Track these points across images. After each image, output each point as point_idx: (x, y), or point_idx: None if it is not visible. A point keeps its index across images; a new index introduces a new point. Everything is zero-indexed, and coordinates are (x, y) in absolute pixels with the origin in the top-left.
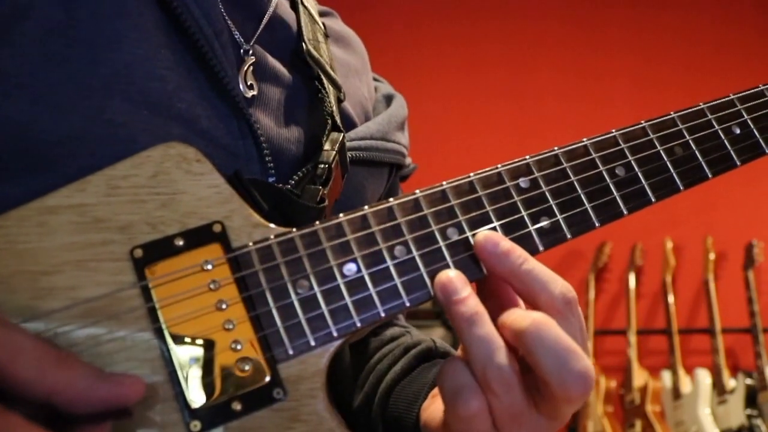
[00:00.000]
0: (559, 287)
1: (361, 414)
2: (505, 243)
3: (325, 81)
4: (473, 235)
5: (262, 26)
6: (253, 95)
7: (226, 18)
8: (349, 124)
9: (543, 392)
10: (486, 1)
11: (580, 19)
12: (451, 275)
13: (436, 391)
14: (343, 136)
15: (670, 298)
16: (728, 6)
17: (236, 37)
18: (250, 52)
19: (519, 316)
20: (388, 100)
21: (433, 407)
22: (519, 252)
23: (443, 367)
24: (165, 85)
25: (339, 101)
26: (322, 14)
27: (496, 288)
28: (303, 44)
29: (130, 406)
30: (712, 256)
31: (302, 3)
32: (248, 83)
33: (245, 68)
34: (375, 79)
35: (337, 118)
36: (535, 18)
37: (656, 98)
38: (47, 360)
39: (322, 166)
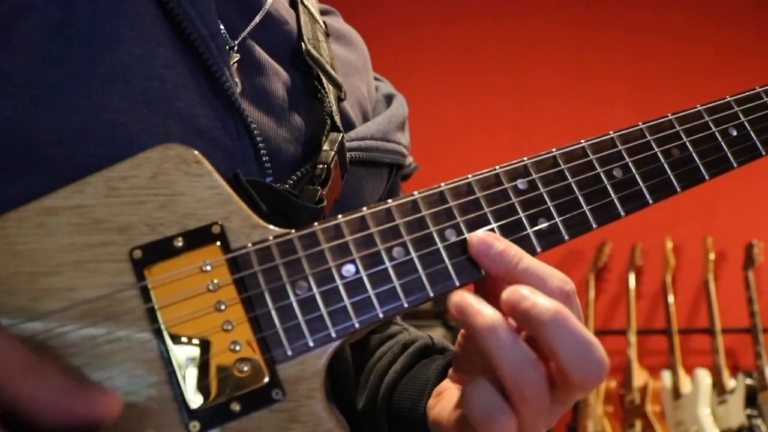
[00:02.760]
0: (555, 282)
1: (365, 415)
2: (499, 244)
3: (324, 81)
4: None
5: (255, 22)
6: (239, 91)
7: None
8: (347, 123)
9: (558, 380)
10: (486, 2)
11: (580, 20)
12: (465, 295)
13: (440, 388)
14: (342, 137)
15: (670, 298)
16: (728, 6)
17: (223, 33)
18: (236, 48)
19: (539, 306)
20: (389, 99)
21: (440, 405)
22: (514, 251)
23: (468, 391)
24: (163, 84)
25: (339, 100)
26: (322, 12)
27: (495, 288)
28: (302, 44)
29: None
30: (712, 256)
31: (302, 2)
32: (234, 80)
33: (231, 65)
34: (376, 79)
35: (337, 118)
36: (535, 18)
37: (656, 99)
38: (16, 367)
39: (321, 166)
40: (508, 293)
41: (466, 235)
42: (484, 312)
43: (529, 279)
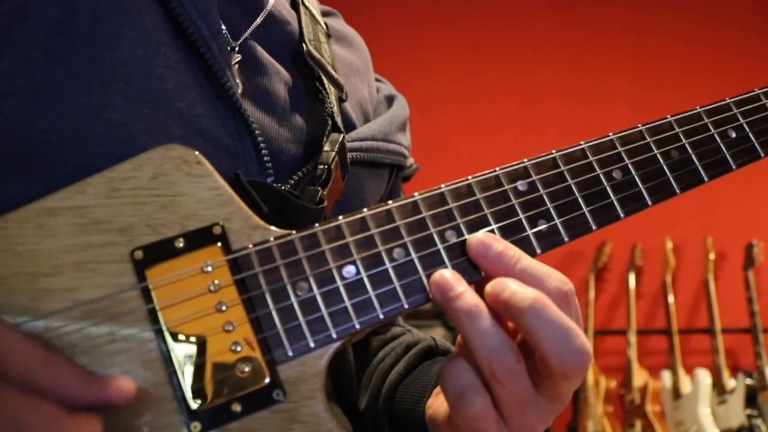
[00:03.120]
0: (554, 282)
1: (367, 416)
2: (498, 245)
3: (326, 81)
4: None
5: (257, 23)
6: (241, 92)
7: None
8: (348, 124)
9: (542, 372)
10: (487, 2)
11: (581, 20)
12: (446, 274)
13: (439, 388)
14: (343, 137)
15: (670, 298)
16: (728, 6)
17: (224, 33)
18: (237, 49)
19: (518, 295)
20: (390, 100)
21: (437, 404)
22: (512, 252)
23: (445, 369)
24: (164, 84)
25: (341, 101)
26: (324, 14)
27: None
28: (303, 44)
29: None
30: (712, 256)
31: (303, 3)
32: (235, 80)
33: (232, 65)
34: (377, 80)
35: (338, 119)
36: (536, 19)
37: (657, 99)
38: (35, 361)
39: (322, 167)
40: (491, 286)
41: (467, 237)
42: (465, 296)
43: (527, 280)
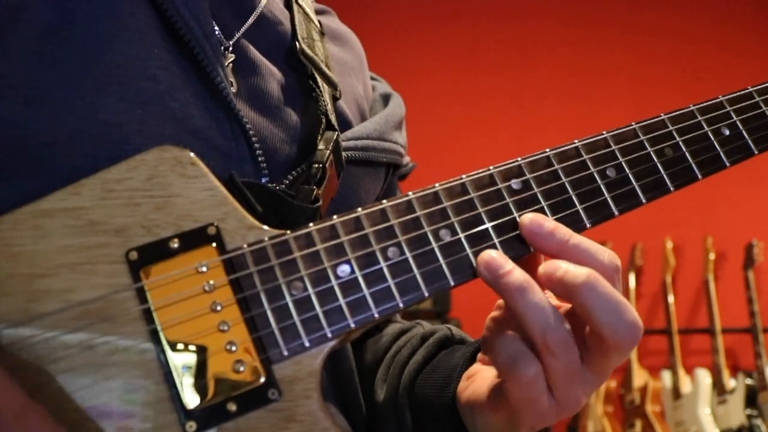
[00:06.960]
0: (607, 256)
1: (387, 406)
2: (549, 223)
3: (319, 79)
4: (466, 236)
5: (249, 23)
6: (235, 92)
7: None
8: (344, 122)
9: (592, 346)
10: (484, 1)
11: (580, 19)
12: (493, 253)
13: (470, 371)
14: (338, 135)
15: (670, 298)
16: (728, 6)
17: (217, 34)
18: (230, 49)
19: (572, 272)
20: (386, 99)
21: (473, 386)
22: (564, 229)
23: (495, 342)
24: (157, 84)
25: (335, 99)
26: (318, 12)
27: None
28: (296, 43)
29: None
30: (712, 256)
31: (296, 1)
32: (229, 80)
33: (225, 65)
34: (372, 78)
35: (332, 117)
36: (534, 18)
37: (656, 99)
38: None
39: (317, 165)
40: (544, 266)
41: (461, 235)
42: (515, 272)
43: (581, 253)
